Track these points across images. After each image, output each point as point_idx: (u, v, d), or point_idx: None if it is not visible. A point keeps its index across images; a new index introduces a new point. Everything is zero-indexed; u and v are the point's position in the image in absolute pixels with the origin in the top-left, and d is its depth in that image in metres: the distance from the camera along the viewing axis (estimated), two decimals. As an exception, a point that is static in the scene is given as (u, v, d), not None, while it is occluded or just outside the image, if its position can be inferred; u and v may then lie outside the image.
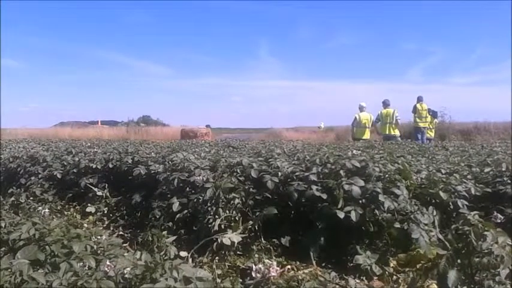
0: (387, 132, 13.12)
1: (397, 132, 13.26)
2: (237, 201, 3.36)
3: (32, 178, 5.27)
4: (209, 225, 3.22)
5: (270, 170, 3.70)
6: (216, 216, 3.25)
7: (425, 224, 2.94)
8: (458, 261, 2.07)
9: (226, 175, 3.69)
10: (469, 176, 3.91)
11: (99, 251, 2.22)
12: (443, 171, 4.03)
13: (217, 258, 3.04)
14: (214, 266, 2.90)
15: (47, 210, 3.53)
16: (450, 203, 3.32)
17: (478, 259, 2.03)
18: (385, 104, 13.41)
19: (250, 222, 3.25)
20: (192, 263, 2.91)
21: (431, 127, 14.44)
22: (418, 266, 2.74)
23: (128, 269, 1.81)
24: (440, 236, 2.80)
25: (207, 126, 30.05)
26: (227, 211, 3.30)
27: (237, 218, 3.30)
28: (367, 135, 13.39)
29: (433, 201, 3.37)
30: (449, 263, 2.08)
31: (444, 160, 5.07)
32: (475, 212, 2.31)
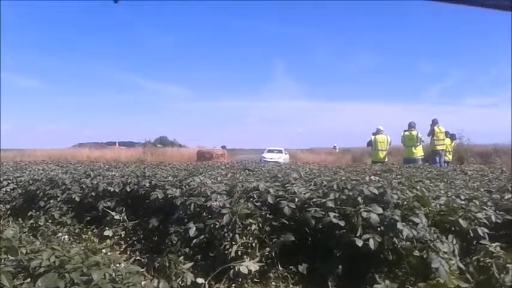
0: (409, 156, 12.97)
1: (420, 153, 13.09)
2: (253, 227, 3.35)
3: (51, 201, 5.31)
4: (226, 252, 3.22)
5: (286, 195, 3.68)
6: (233, 243, 3.24)
7: (445, 253, 2.89)
8: (481, 294, 2.03)
9: (243, 200, 3.68)
10: (489, 203, 3.85)
11: (117, 279, 2.23)
12: (462, 197, 3.98)
13: (234, 285, 3.03)
14: (231, 294, 2.89)
15: (66, 236, 3.57)
16: (470, 231, 3.26)
17: (501, 292, 1.99)
18: (410, 126, 13.25)
19: (267, 249, 3.24)
20: (209, 290, 2.90)
21: (450, 150, 14.30)
22: (438, 297, 2.69)
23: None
24: (461, 265, 2.76)
25: (223, 147, 30.27)
26: (244, 237, 3.29)
27: (253, 245, 3.29)
28: (382, 157, 13.25)
29: (453, 228, 3.32)
30: (471, 296, 2.05)
31: (463, 185, 5.00)
32: (497, 243, 2.27)
